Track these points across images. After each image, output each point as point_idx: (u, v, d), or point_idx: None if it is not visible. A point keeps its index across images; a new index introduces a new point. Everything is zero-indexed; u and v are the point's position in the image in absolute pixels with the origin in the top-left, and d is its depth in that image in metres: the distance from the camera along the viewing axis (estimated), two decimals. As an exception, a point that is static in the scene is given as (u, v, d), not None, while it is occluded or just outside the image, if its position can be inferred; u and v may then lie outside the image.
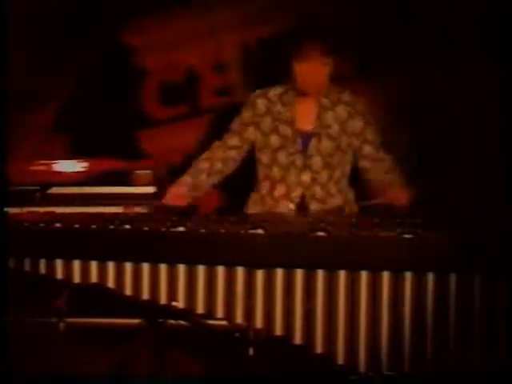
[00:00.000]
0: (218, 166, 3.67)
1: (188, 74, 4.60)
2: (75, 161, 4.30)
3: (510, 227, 2.88)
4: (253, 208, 3.68)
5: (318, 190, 3.60)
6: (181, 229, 2.97)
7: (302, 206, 3.59)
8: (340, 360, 2.88)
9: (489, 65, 4.24)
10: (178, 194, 3.58)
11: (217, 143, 3.71)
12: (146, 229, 3.00)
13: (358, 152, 3.66)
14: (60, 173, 4.29)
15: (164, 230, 2.98)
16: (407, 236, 2.85)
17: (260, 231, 2.92)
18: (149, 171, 4.15)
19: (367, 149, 3.65)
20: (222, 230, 2.94)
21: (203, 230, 2.95)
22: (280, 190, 3.61)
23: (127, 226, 3.01)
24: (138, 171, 4.18)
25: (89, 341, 4.06)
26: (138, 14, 4.54)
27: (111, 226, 3.02)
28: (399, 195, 3.57)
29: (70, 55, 4.44)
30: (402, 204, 3.56)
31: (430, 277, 2.83)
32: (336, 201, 3.63)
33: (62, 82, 4.46)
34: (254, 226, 2.94)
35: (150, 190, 4.00)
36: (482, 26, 4.22)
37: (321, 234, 2.89)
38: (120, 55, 4.57)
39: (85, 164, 4.30)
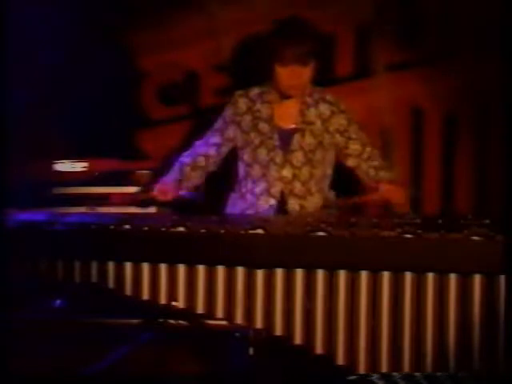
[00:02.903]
0: (201, 161, 3.71)
1: (188, 74, 4.60)
2: (75, 161, 4.31)
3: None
4: (233, 208, 3.71)
5: (298, 186, 3.63)
6: (181, 229, 2.97)
7: (281, 202, 3.62)
8: (340, 360, 2.88)
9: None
10: (164, 190, 3.63)
11: (197, 142, 3.76)
12: (145, 229, 3.00)
13: (344, 150, 3.68)
14: (60, 173, 4.29)
15: (164, 229, 2.98)
16: (407, 236, 2.85)
17: (260, 231, 2.92)
18: (149, 171, 4.16)
19: (353, 146, 3.67)
20: (222, 230, 2.94)
21: (203, 230, 2.95)
22: (261, 187, 3.63)
23: (127, 226, 3.01)
24: (137, 171, 4.18)
25: (88, 340, 4.06)
26: (138, 14, 4.54)
27: (111, 226, 3.02)
28: (394, 193, 3.59)
29: (70, 55, 4.44)
30: (397, 202, 3.59)
31: (430, 277, 2.83)
32: (315, 199, 3.65)
33: (63, 82, 4.46)
34: (253, 226, 2.94)
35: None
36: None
37: (321, 234, 2.89)
38: (120, 55, 4.57)
39: (85, 164, 4.30)
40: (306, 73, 3.52)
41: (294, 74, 3.50)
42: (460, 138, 4.48)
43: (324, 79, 4.42)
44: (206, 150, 3.71)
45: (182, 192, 3.71)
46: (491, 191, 4.35)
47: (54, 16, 4.36)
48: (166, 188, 3.65)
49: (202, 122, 4.28)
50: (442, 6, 4.41)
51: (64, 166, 4.31)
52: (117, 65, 4.54)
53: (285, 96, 3.61)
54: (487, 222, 2.94)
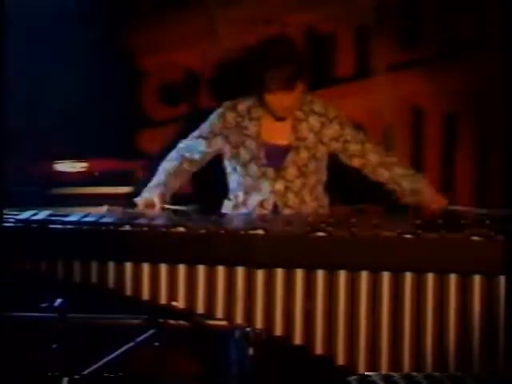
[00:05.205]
0: (186, 166, 3.69)
1: (188, 74, 4.60)
2: (75, 161, 4.30)
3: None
4: None
5: (291, 198, 3.62)
6: (181, 229, 2.98)
7: (275, 213, 3.60)
8: (340, 360, 2.89)
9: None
10: (149, 201, 3.52)
11: (182, 145, 3.73)
12: (145, 229, 3.00)
13: (345, 153, 3.67)
14: (60, 173, 4.29)
15: (164, 230, 2.98)
16: (407, 236, 2.85)
17: (260, 231, 2.92)
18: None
19: (352, 147, 3.66)
20: (222, 230, 2.94)
21: (203, 230, 2.95)
22: (254, 199, 3.63)
23: (127, 226, 3.02)
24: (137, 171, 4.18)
25: (88, 341, 4.06)
26: (138, 14, 4.54)
27: (111, 226, 3.02)
28: (435, 197, 3.60)
29: (70, 55, 4.44)
30: (438, 207, 3.56)
31: (430, 277, 2.83)
32: (310, 208, 3.64)
33: (63, 81, 4.45)
34: (253, 226, 2.94)
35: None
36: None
37: (321, 234, 2.89)
38: (120, 56, 4.57)
39: (85, 164, 4.30)
40: (293, 96, 3.50)
41: (282, 99, 3.49)
42: (460, 137, 4.48)
43: (324, 79, 4.43)
44: (191, 156, 3.69)
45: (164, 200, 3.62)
46: (491, 191, 4.35)
47: (53, 16, 4.36)
48: (152, 201, 3.51)
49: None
50: (442, 5, 4.41)
51: (64, 165, 4.31)
52: (117, 65, 4.54)
53: (278, 118, 3.59)
54: (487, 222, 2.94)
